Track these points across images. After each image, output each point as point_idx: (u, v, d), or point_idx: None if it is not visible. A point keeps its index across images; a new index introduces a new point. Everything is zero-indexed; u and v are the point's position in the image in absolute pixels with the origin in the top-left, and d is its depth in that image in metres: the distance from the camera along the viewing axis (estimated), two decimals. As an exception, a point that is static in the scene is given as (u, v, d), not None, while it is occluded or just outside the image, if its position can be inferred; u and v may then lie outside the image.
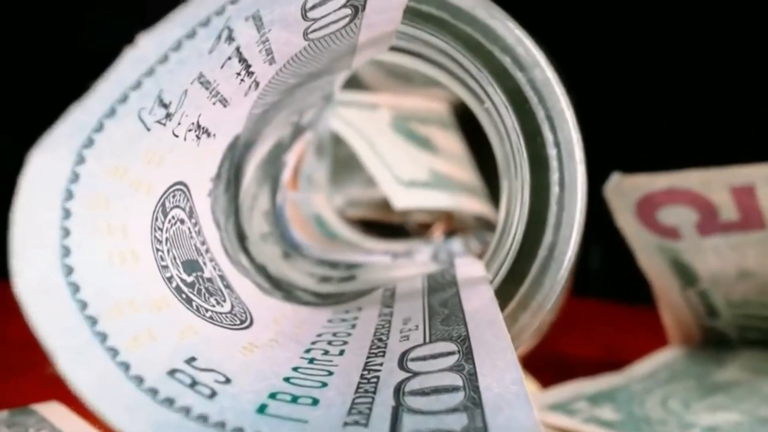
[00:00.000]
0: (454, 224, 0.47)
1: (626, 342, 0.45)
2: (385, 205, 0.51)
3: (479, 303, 0.18)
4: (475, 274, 0.21)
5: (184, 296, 0.16)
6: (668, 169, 0.35)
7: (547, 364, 0.40)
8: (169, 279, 0.16)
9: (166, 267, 0.16)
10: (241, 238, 0.23)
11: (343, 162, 0.54)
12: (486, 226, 0.50)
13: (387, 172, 0.44)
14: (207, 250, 0.19)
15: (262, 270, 0.23)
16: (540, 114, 0.20)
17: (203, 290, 0.17)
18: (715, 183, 0.34)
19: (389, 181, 0.43)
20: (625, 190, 0.36)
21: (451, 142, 0.52)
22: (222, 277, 0.19)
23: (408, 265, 0.27)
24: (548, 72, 0.19)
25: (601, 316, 0.49)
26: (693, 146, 0.40)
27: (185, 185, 0.18)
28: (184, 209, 0.18)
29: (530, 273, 0.20)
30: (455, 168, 0.49)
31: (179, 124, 0.15)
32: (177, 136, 0.16)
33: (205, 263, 0.18)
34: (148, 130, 0.14)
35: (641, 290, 0.42)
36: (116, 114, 0.12)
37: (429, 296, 0.20)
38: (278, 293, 0.22)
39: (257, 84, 0.18)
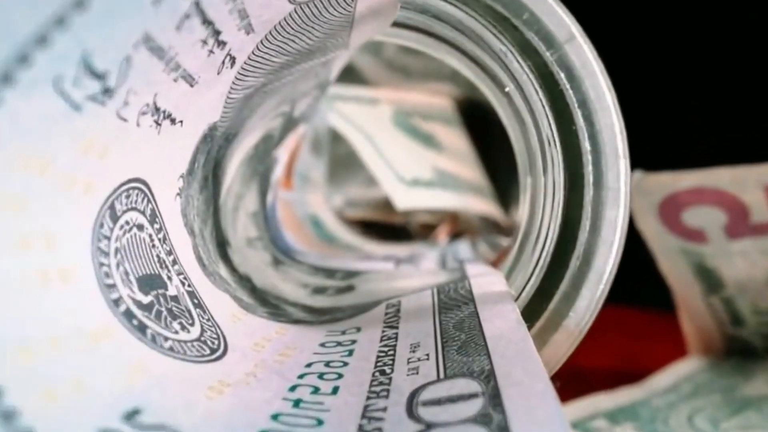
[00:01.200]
0: (459, 226, 0.43)
1: (643, 351, 0.41)
2: (386, 205, 0.47)
3: (503, 326, 0.15)
4: (494, 288, 0.17)
5: (135, 323, 0.12)
6: (695, 166, 0.31)
7: (557, 373, 0.36)
8: (116, 302, 0.12)
9: (112, 286, 0.12)
10: (222, 244, 0.20)
11: (341, 160, 0.51)
12: (493, 227, 0.46)
13: (388, 170, 0.40)
14: (174, 262, 0.15)
15: (245, 281, 0.20)
16: (574, 98, 0.16)
17: (164, 313, 0.14)
18: (748, 181, 0.31)
19: (391, 180, 0.39)
20: (647, 189, 0.32)
21: (456, 138, 0.48)
22: (192, 294, 0.15)
23: (413, 274, 0.23)
24: (585, 47, 0.16)
25: (616, 322, 0.45)
26: (722, 141, 0.36)
27: (144, 183, 0.14)
28: (143, 212, 0.14)
29: (562, 286, 0.16)
30: (460, 166, 0.45)
31: (126, 103, 0.12)
32: (125, 120, 0.12)
33: (170, 278, 0.15)
34: (77, 109, 0.10)
35: (659, 295, 0.39)
36: (15, 81, 0.08)
37: (440, 315, 0.16)
38: (263, 309, 0.18)
39: (233, 60, 0.15)
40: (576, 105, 0.16)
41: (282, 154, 0.26)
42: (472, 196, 0.43)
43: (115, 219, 0.13)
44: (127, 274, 0.13)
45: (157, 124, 0.13)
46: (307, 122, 0.27)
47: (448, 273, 0.23)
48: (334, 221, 0.39)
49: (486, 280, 0.18)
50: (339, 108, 0.44)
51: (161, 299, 0.14)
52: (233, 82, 0.16)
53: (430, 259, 0.31)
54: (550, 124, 0.16)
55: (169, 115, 0.14)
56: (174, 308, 0.14)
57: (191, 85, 0.14)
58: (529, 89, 0.16)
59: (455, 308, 0.17)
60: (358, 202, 0.48)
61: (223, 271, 0.18)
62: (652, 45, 0.40)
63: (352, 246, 0.36)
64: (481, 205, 0.42)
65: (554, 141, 0.16)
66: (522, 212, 0.20)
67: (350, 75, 0.50)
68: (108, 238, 0.13)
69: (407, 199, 0.38)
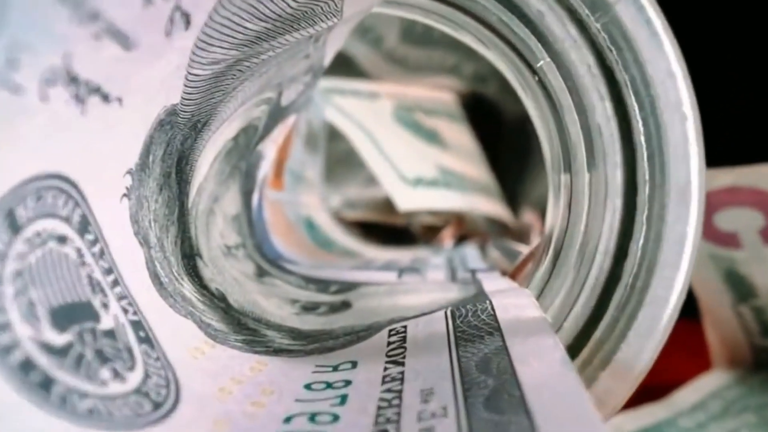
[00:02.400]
0: (465, 228, 0.39)
1: (664, 363, 0.37)
2: (386, 206, 0.43)
3: (543, 369, 0.11)
4: (524, 313, 0.13)
5: (36, 379, 0.08)
6: (730, 164, 0.27)
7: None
8: (6, 350, 0.08)
9: (4, 327, 0.08)
10: (190, 255, 0.16)
11: (339, 157, 0.47)
12: (501, 230, 0.43)
13: (389, 168, 0.36)
14: (115, 282, 0.12)
15: (218, 300, 0.16)
16: (628, 73, 0.12)
17: (88, 357, 0.10)
18: (791, 180, 0.27)
19: (392, 179, 0.35)
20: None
21: (460, 135, 0.44)
22: (137, 325, 0.12)
23: (419, 288, 0.20)
24: (650, 11, 0.12)
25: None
26: (762, 136, 0.32)
27: (68, 181, 0.10)
28: (66, 219, 0.10)
29: (615, 311, 0.12)
30: (466, 164, 0.41)
31: (12, 63, 0.08)
32: (18, 90, 0.08)
33: (105, 305, 0.11)
34: None
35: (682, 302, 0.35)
36: None
37: (458, 348, 0.13)
38: (237, 337, 0.14)
39: (186, 18, 0.11)
40: (632, 81, 0.12)
41: (269, 148, 0.22)
42: (479, 196, 0.39)
43: (15, 230, 0.09)
44: (32, 306, 0.09)
45: (79, 101, 0.10)
46: (297, 112, 0.23)
47: (460, 287, 0.19)
48: (330, 223, 0.35)
49: (512, 302, 0.14)
50: (336, 102, 0.40)
51: (86, 337, 0.10)
52: (193, 53, 0.12)
53: (436, 266, 0.27)
54: (604, 106, 0.12)
55: (98, 90, 0.10)
56: (106, 348, 0.10)
57: (126, 48, 0.10)
58: (572, 60, 0.12)
59: (477, 340, 0.13)
60: (356, 203, 0.44)
61: (188, 289, 0.14)
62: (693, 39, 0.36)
63: (350, 250, 0.32)
64: (489, 205, 0.39)
65: (612, 127, 0.12)
66: (552, 217, 0.17)
67: (348, 68, 0.46)
68: (4, 258, 0.09)
69: (410, 200, 0.34)
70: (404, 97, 0.44)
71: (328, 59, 0.23)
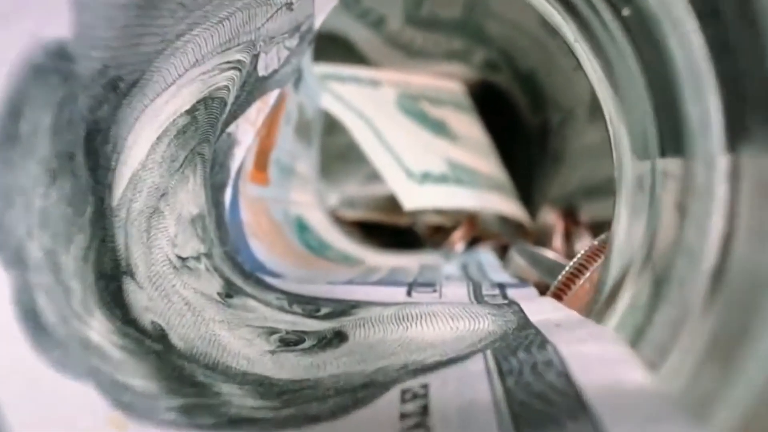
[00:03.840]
0: (477, 229, 0.34)
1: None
2: (389, 204, 0.38)
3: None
4: (620, 376, 0.08)
5: None
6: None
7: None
8: None
9: None
10: (110, 275, 0.10)
11: (338, 152, 0.42)
12: (514, 231, 0.37)
13: (394, 162, 0.31)
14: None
15: (152, 341, 0.10)
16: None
17: None
18: None
19: (397, 175, 0.30)
20: None
21: (470, 127, 0.39)
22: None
23: (437, 312, 0.14)
24: None
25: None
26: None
27: None
28: None
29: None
30: (477, 158, 0.36)
31: None
32: None
33: None
34: None
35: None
36: None
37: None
38: (172, 402, 0.09)
39: None
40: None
41: (245, 132, 0.17)
42: (493, 193, 0.33)
43: None
44: None
45: None
46: (281, 87, 0.18)
47: (492, 312, 0.14)
48: (326, 224, 0.30)
49: (591, 351, 0.09)
50: (334, 89, 0.35)
51: None
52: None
53: (450, 276, 0.22)
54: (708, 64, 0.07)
55: None
56: None
57: None
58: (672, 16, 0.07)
59: (550, 425, 0.07)
60: (356, 201, 0.39)
61: (99, 329, 0.09)
62: None
63: (348, 255, 0.27)
64: (504, 204, 0.33)
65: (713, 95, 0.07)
66: (628, 221, 0.11)
67: (346, 53, 0.40)
68: None
69: (416, 197, 0.29)
70: (408, 86, 0.39)
71: (318, 19, 0.17)
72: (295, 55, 0.17)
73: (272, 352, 0.12)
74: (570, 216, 0.32)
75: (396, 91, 0.37)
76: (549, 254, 0.25)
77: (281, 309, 0.15)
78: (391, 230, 0.37)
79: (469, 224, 0.32)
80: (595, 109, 0.33)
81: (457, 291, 0.17)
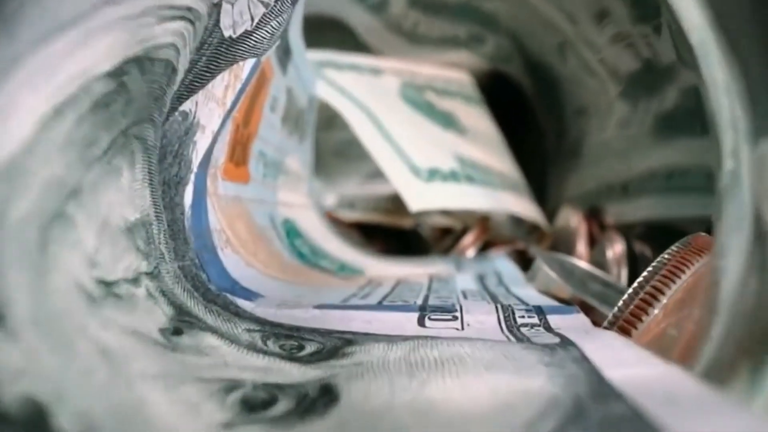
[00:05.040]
0: (489, 233, 0.30)
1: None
2: (392, 204, 0.34)
3: None
4: None
5: None
6: None
7: None
8: None
9: None
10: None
11: (336, 149, 0.37)
12: (528, 235, 0.33)
13: (398, 158, 0.26)
14: None
15: (18, 427, 0.06)
16: None
17: None
18: None
19: (402, 172, 0.26)
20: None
21: (480, 120, 0.35)
22: None
23: (467, 361, 0.10)
24: None
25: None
26: None
27: None
28: None
29: None
30: (489, 154, 0.31)
31: None
32: None
33: None
34: None
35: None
36: None
37: None
38: None
39: None
40: None
41: (210, 113, 0.13)
42: (508, 193, 0.29)
43: None
44: None
45: None
46: (258, 56, 0.14)
47: (544, 362, 0.09)
48: (321, 228, 0.26)
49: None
50: (330, 76, 0.31)
51: None
52: None
53: (467, 291, 0.18)
54: None
55: None
56: None
57: None
58: None
59: None
60: (356, 202, 0.35)
61: None
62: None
63: (345, 264, 0.23)
64: (520, 205, 0.29)
65: None
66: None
67: (345, 40, 0.36)
68: None
69: (424, 198, 0.25)
70: (412, 75, 0.35)
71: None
72: (274, 16, 0.13)
73: (227, 427, 0.08)
74: (594, 218, 0.28)
75: (399, 80, 0.33)
76: (581, 264, 0.21)
77: (251, 347, 0.11)
78: (393, 233, 0.33)
79: (482, 227, 0.28)
80: (617, 100, 0.28)
81: (483, 318, 0.13)
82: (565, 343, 0.10)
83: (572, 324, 0.12)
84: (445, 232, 0.32)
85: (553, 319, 0.12)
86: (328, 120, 0.34)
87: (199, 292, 0.12)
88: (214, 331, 0.11)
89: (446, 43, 0.37)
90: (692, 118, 0.25)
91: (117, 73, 0.09)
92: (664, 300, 0.11)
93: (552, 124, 0.37)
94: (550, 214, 0.32)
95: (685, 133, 0.26)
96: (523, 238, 0.30)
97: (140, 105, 0.10)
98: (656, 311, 0.11)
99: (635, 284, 0.12)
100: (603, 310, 0.17)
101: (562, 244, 0.29)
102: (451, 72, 0.37)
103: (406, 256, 0.27)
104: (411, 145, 0.27)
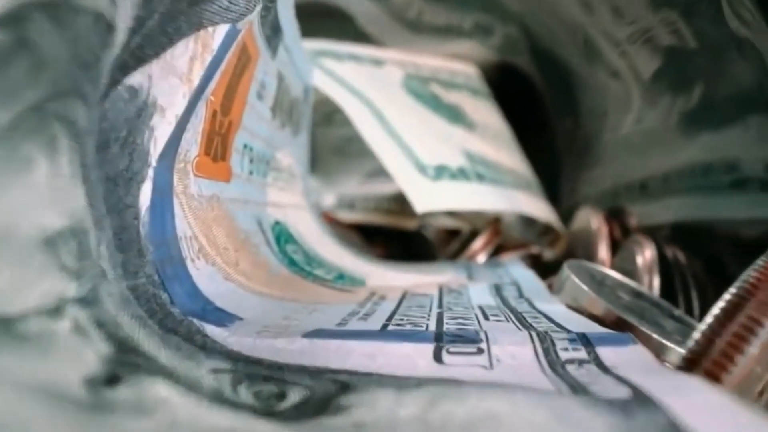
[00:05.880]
0: (501, 235, 0.27)
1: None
2: (395, 204, 0.31)
3: None
4: None
5: None
6: None
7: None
8: None
9: None
10: None
11: (335, 146, 0.34)
12: (541, 238, 0.30)
13: (403, 155, 0.24)
14: None
15: None
16: None
17: None
18: None
19: (407, 170, 0.23)
20: None
21: (489, 114, 0.32)
22: None
23: (505, 424, 0.07)
24: None
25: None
26: None
27: None
28: None
29: None
30: (499, 150, 0.28)
31: None
32: None
33: None
34: None
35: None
36: None
37: None
38: None
39: None
40: None
41: (170, 90, 0.10)
42: (520, 192, 0.26)
43: None
44: None
45: None
46: (232, 21, 0.11)
47: (611, 422, 0.07)
48: (317, 231, 0.23)
49: None
50: (328, 66, 0.28)
51: None
52: None
53: (484, 306, 0.15)
54: None
55: None
56: None
57: None
58: None
59: None
60: (356, 201, 0.32)
61: None
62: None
63: (343, 273, 0.20)
64: (533, 205, 0.26)
65: None
66: None
67: (345, 29, 0.33)
68: None
69: (432, 197, 0.22)
70: (416, 67, 0.32)
71: None
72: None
73: None
74: (616, 219, 0.25)
75: (402, 71, 0.30)
76: (610, 272, 0.18)
77: (215, 397, 0.08)
78: (395, 235, 0.30)
79: (493, 230, 0.25)
80: (636, 95, 0.26)
81: (515, 351, 0.10)
82: (641, 398, 0.07)
83: (630, 359, 0.09)
84: (452, 234, 0.29)
85: (605, 353, 0.10)
86: (327, 116, 0.31)
87: (154, 318, 0.09)
88: (167, 374, 0.08)
89: (451, 33, 0.34)
90: (719, 110, 0.22)
91: (11, 20, 0.06)
92: (764, 334, 0.08)
93: (564, 119, 0.34)
94: (563, 214, 0.29)
95: (710, 128, 0.23)
96: (535, 240, 0.27)
97: (59, 71, 0.07)
98: (754, 350, 0.08)
99: (717, 311, 0.09)
100: (644, 330, 0.14)
101: (580, 248, 0.26)
102: (456, 64, 0.34)
103: (409, 261, 0.24)
104: (416, 140, 0.24)
